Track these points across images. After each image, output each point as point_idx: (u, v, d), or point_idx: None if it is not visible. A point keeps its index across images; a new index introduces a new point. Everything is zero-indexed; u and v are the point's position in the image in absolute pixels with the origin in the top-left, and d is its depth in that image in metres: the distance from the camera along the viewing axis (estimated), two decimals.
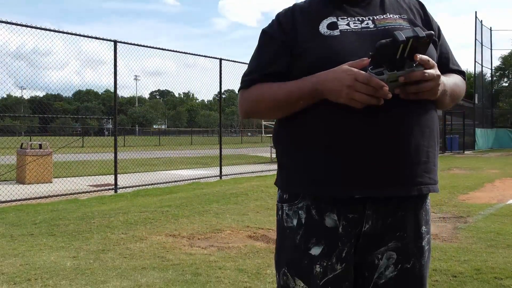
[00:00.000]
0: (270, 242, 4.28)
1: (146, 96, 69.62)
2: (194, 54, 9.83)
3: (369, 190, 1.24)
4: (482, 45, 25.93)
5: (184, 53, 9.50)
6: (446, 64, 1.40)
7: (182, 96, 70.97)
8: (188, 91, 64.85)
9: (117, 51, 8.08)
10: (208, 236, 4.59)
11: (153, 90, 73.66)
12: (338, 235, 1.31)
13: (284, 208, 1.38)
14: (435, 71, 1.16)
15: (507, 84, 39.36)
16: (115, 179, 8.15)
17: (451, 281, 3.13)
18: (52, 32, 7.42)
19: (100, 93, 59.75)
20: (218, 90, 10.56)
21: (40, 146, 9.86)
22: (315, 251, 1.31)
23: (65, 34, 7.57)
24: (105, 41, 8.11)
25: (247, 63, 1.46)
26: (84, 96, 62.81)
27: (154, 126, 51.02)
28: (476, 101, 24.86)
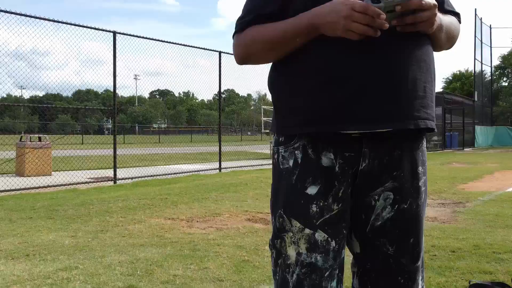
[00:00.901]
0: (268, 224, 4.27)
1: (146, 96, 69.66)
2: (193, 47, 9.83)
3: (366, 125, 1.24)
4: (482, 42, 25.93)
5: (183, 45, 9.51)
6: (441, 3, 1.40)
7: (182, 96, 71.00)
8: (188, 91, 64.99)
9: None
10: (207, 219, 4.59)
11: (153, 90, 73.73)
12: (335, 174, 1.31)
13: (280, 150, 1.37)
14: (431, 0, 1.16)
15: (506, 84, 39.36)
16: (114, 170, 8.15)
17: (449, 256, 3.13)
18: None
19: (100, 93, 59.75)
20: (218, 89, 10.52)
21: (40, 139, 9.86)
22: (312, 190, 1.30)
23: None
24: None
25: None
26: (84, 96, 62.84)
27: (154, 126, 51.01)
28: (476, 99, 24.86)
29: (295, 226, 1.31)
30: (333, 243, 1.31)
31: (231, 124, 49.02)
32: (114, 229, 4.10)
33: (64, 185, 7.50)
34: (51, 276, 2.71)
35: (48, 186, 7.31)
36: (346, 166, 1.31)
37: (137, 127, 46.46)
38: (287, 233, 1.34)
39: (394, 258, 1.36)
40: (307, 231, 1.30)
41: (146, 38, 8.82)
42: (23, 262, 3.03)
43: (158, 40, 9.02)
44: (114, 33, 8.07)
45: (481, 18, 25.48)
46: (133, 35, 8.49)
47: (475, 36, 24.83)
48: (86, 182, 7.97)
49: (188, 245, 3.44)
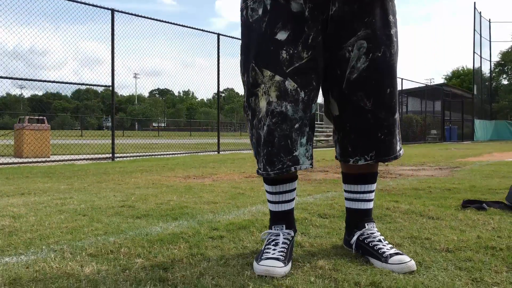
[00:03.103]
0: None
1: (146, 95, 69.60)
2: (192, 28, 9.83)
3: None
4: (481, 36, 25.95)
5: (182, 25, 9.51)
6: None
7: (182, 95, 71.06)
8: (188, 90, 64.91)
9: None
10: (204, 176, 4.58)
11: (153, 89, 73.62)
12: (304, 19, 1.31)
13: (249, 4, 1.37)
14: None
15: (506, 82, 39.33)
16: (112, 148, 8.14)
17: (445, 192, 3.12)
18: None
19: (99, 92, 59.70)
20: (217, 87, 10.44)
21: (38, 121, 9.85)
22: (281, 36, 1.30)
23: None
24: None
25: None
26: (83, 95, 62.90)
27: (153, 124, 50.96)
28: (475, 92, 24.87)
29: (266, 76, 1.31)
30: (302, 94, 1.31)
31: (231, 122, 49.00)
32: (110, 182, 4.10)
33: (62, 160, 7.49)
34: (45, 202, 2.71)
35: (46, 161, 7.31)
36: (315, 11, 1.31)
37: (136, 124, 46.41)
38: (259, 87, 1.34)
39: (372, 113, 1.36)
40: (277, 78, 1.30)
41: (144, 17, 8.83)
42: (18, 198, 3.03)
43: (157, 20, 9.02)
44: (113, 10, 8.08)
45: (480, 12, 25.52)
46: (131, 14, 8.49)
47: (474, 30, 24.85)
48: (84, 159, 7.96)
49: (183, 188, 3.44)
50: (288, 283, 1.21)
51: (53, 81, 7.52)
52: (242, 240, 1.70)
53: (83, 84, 8.04)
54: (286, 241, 1.43)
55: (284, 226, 1.47)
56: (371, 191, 1.50)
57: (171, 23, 9.33)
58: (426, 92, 21.30)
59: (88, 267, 1.37)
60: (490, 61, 28.94)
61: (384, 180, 3.97)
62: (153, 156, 8.82)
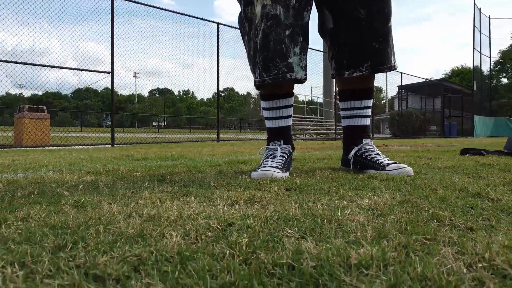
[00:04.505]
0: None
1: (146, 94, 69.62)
2: (191, 16, 9.85)
3: None
4: (480, 33, 25.98)
5: (182, 14, 9.53)
6: None
7: (182, 94, 71.09)
8: (188, 89, 64.98)
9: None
10: (201, 152, 4.59)
11: (153, 88, 73.62)
12: None
13: None
14: None
15: (506, 80, 39.35)
16: (112, 133, 8.14)
17: (442, 151, 3.13)
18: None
19: (99, 91, 59.71)
20: (216, 87, 10.39)
21: (38, 110, 9.85)
22: None
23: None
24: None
25: None
26: (83, 94, 62.92)
27: (153, 124, 50.96)
28: (475, 88, 24.89)
29: None
30: (293, 0, 1.32)
31: (231, 121, 49.05)
32: (109, 152, 4.10)
33: (61, 145, 7.50)
34: (42, 159, 2.71)
35: (45, 146, 7.31)
36: None
37: (136, 123, 46.41)
38: None
39: (366, 21, 1.36)
40: None
41: (144, 4, 8.85)
42: (16, 160, 3.03)
43: (156, 7, 9.04)
44: None
45: (480, 8, 25.57)
46: (130, 1, 8.51)
47: (474, 26, 24.88)
48: (83, 144, 7.97)
49: (181, 156, 3.45)
50: (285, 178, 1.21)
51: (52, 66, 7.53)
52: (240, 168, 1.70)
53: (82, 69, 8.03)
54: (284, 154, 1.44)
55: (282, 141, 1.48)
56: (367, 107, 1.51)
57: (170, 11, 9.35)
58: (426, 88, 21.32)
59: (86, 177, 1.37)
60: (490, 57, 28.96)
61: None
62: (153, 144, 8.83)
